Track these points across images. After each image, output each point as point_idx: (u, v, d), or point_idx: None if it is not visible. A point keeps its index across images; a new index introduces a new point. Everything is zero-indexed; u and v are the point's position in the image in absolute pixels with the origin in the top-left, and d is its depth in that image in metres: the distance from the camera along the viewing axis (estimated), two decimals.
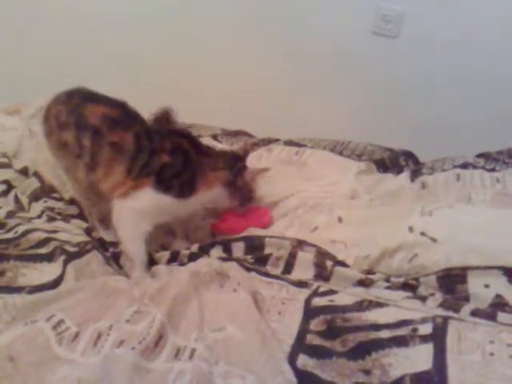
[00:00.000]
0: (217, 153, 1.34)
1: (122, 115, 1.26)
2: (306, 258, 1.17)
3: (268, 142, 1.75)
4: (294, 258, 1.17)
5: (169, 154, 1.23)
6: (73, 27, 2.48)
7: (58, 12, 2.48)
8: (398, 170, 1.59)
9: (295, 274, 1.14)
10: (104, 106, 1.27)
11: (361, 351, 0.88)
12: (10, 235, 1.19)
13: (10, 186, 1.42)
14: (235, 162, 1.32)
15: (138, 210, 1.21)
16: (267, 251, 1.20)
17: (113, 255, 1.23)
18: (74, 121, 1.24)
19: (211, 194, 1.28)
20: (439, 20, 2.14)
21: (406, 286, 1.10)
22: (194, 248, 1.25)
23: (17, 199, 1.39)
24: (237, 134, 1.85)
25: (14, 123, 1.77)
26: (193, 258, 1.21)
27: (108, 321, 0.93)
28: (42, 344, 0.88)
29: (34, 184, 1.44)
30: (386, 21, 2.26)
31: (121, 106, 1.28)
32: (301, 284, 1.07)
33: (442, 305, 1.00)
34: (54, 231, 1.21)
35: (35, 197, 1.40)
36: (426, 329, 0.91)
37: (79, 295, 1.02)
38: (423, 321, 0.93)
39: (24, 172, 1.49)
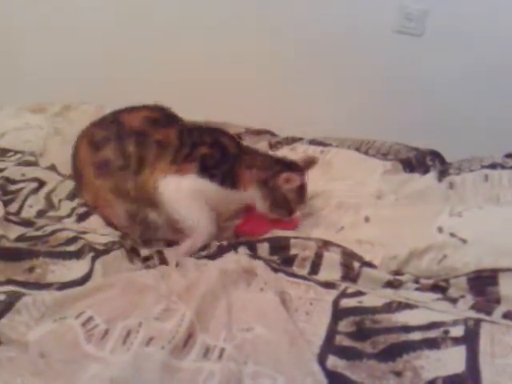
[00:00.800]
0: (255, 152, 1.35)
1: (161, 116, 1.32)
2: (332, 258, 1.16)
3: (292, 140, 1.75)
4: (320, 259, 1.16)
5: (208, 146, 1.27)
6: (91, 29, 2.51)
7: (75, 13, 2.52)
8: (425, 169, 1.58)
9: (322, 275, 1.13)
10: (142, 110, 1.32)
11: (392, 353, 0.87)
12: (39, 233, 1.20)
13: (40, 184, 1.43)
14: (273, 165, 1.31)
15: (184, 190, 1.24)
16: (293, 252, 1.19)
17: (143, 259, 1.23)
18: (113, 133, 1.27)
19: (249, 191, 1.28)
20: (463, 18, 2.13)
21: (435, 288, 1.09)
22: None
23: (48, 197, 1.39)
24: (260, 132, 1.85)
25: (39, 122, 1.79)
26: (221, 250, 1.22)
27: (137, 318, 0.93)
28: (72, 341, 0.88)
29: (70, 185, 1.43)
30: (409, 19, 2.25)
31: (159, 109, 1.33)
32: (328, 285, 1.06)
33: (473, 307, 0.98)
34: (83, 232, 1.21)
35: (72, 195, 1.40)
36: (457, 331, 0.90)
37: (107, 292, 1.01)
38: (455, 323, 0.92)
39: (52, 169, 1.49)
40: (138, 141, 1.25)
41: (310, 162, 1.38)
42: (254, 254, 1.21)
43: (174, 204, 1.25)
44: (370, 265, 1.15)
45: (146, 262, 1.20)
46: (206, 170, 1.25)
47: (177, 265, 1.16)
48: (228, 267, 1.08)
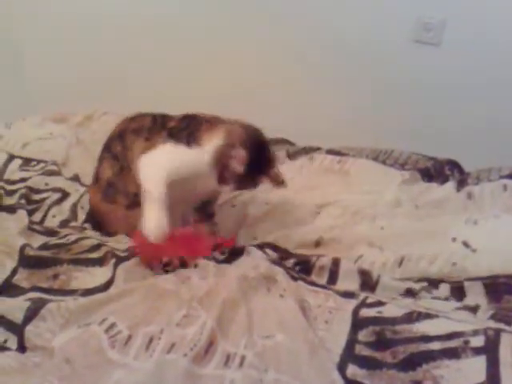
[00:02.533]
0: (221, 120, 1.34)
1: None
2: (349, 266, 1.17)
3: (309, 150, 1.76)
4: (337, 266, 1.17)
5: (177, 120, 1.32)
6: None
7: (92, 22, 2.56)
8: (443, 179, 1.57)
9: (340, 285, 1.13)
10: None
11: (411, 363, 0.88)
12: (63, 241, 1.22)
13: (64, 194, 1.45)
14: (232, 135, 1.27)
15: (157, 161, 1.25)
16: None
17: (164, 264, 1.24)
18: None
19: (211, 150, 1.25)
20: (481, 27, 2.12)
21: (452, 293, 1.09)
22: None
23: (73, 209, 1.42)
24: (278, 142, 1.86)
25: (61, 131, 1.81)
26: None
27: (159, 324, 0.94)
28: (96, 347, 0.90)
29: None
30: (427, 29, 2.25)
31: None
32: (347, 294, 1.06)
33: (493, 317, 0.98)
34: (106, 240, 1.24)
35: None
36: (477, 341, 0.90)
37: (129, 298, 1.03)
38: (475, 333, 0.91)
39: (75, 179, 1.52)
40: (119, 139, 1.33)
41: (276, 181, 1.30)
42: (274, 260, 1.21)
43: (140, 178, 1.24)
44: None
45: (166, 267, 1.21)
46: (171, 136, 1.28)
47: (195, 266, 1.17)
48: (248, 273, 1.09)
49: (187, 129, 1.29)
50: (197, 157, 1.25)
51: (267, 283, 1.08)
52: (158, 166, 1.24)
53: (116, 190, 1.33)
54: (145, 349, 0.89)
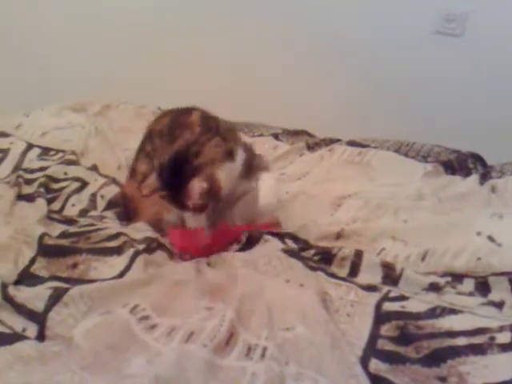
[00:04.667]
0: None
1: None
2: (372, 258, 1.15)
3: (329, 142, 1.73)
4: (360, 258, 1.15)
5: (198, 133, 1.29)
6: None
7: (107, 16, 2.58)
8: (466, 172, 1.55)
9: (362, 277, 1.11)
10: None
11: (436, 358, 0.86)
12: (82, 229, 1.21)
13: (83, 184, 1.45)
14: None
15: None
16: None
17: None
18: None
19: None
20: (505, 18, 2.09)
21: (477, 288, 1.07)
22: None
23: (93, 197, 1.41)
24: (297, 133, 1.85)
25: (80, 121, 1.80)
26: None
27: (178, 314, 0.94)
28: (121, 327, 0.90)
29: (113, 190, 1.45)
30: (449, 20, 2.21)
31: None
32: (370, 288, 1.05)
33: None
34: (124, 229, 1.23)
35: (112, 203, 1.41)
36: (504, 337, 0.88)
37: (148, 287, 1.03)
38: (501, 329, 0.90)
39: (94, 169, 1.51)
40: (149, 140, 1.36)
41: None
42: (292, 250, 1.19)
43: None
44: None
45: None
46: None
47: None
48: (265, 263, 1.09)
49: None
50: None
51: (285, 273, 1.07)
52: None
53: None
54: (166, 335, 0.89)
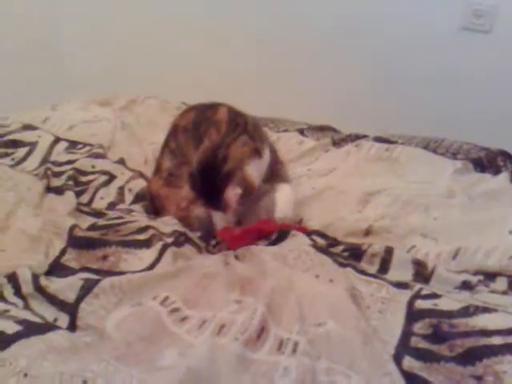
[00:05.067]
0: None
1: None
2: (403, 255, 1.14)
3: (355, 137, 1.71)
4: (390, 255, 1.13)
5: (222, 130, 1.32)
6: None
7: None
8: (496, 170, 1.52)
9: (392, 274, 1.10)
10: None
11: (471, 357, 0.84)
12: (111, 222, 1.22)
13: (111, 177, 1.45)
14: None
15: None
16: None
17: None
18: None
19: None
20: None
21: (510, 287, 1.05)
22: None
23: (120, 191, 1.41)
24: (323, 129, 1.83)
25: (106, 114, 1.81)
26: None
27: (208, 307, 0.94)
28: (153, 318, 0.91)
29: (141, 183, 1.46)
30: (477, 15, 2.18)
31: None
32: (401, 285, 1.03)
33: None
34: (152, 222, 1.24)
35: (140, 196, 1.41)
36: None
37: (178, 279, 1.03)
38: None
39: (121, 163, 1.52)
40: (173, 136, 1.39)
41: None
42: (321, 246, 1.18)
43: None
44: None
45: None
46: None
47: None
48: (295, 257, 1.09)
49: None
50: None
51: (315, 269, 1.06)
52: None
53: (176, 177, 1.34)
54: (197, 328, 0.89)
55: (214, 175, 1.20)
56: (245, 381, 0.80)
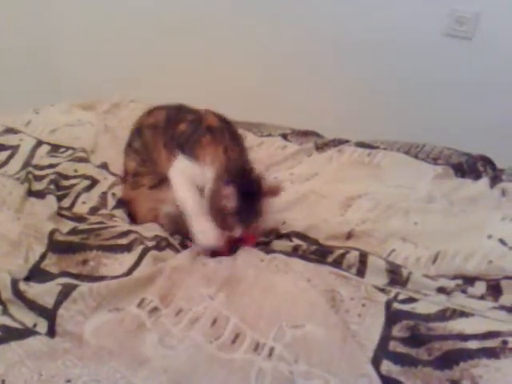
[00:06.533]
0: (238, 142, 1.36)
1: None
2: (377, 263, 1.15)
3: (338, 142, 1.72)
4: (364, 265, 1.15)
5: (186, 124, 1.34)
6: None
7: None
8: (476, 175, 1.54)
9: (368, 279, 1.11)
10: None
11: (448, 361, 0.85)
12: (91, 227, 1.21)
13: (94, 181, 1.44)
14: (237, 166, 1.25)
15: (178, 174, 1.26)
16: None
17: None
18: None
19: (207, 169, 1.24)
20: None
21: (489, 291, 1.07)
22: None
23: (103, 195, 1.40)
24: (306, 134, 1.83)
25: (90, 118, 1.80)
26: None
27: (185, 301, 0.97)
28: (132, 323, 0.92)
29: None
30: (460, 22, 2.20)
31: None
32: (378, 289, 1.04)
33: None
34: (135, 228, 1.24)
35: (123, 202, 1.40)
36: None
37: (153, 281, 1.03)
38: None
39: (104, 167, 1.51)
40: (138, 135, 1.39)
41: (274, 191, 1.24)
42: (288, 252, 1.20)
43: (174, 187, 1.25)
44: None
45: None
46: (180, 146, 1.28)
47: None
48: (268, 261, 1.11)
49: (190, 140, 1.30)
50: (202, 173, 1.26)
51: (291, 272, 1.07)
52: (181, 178, 1.25)
53: (141, 175, 1.35)
54: (174, 315, 0.92)
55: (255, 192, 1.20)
56: (221, 374, 0.82)
